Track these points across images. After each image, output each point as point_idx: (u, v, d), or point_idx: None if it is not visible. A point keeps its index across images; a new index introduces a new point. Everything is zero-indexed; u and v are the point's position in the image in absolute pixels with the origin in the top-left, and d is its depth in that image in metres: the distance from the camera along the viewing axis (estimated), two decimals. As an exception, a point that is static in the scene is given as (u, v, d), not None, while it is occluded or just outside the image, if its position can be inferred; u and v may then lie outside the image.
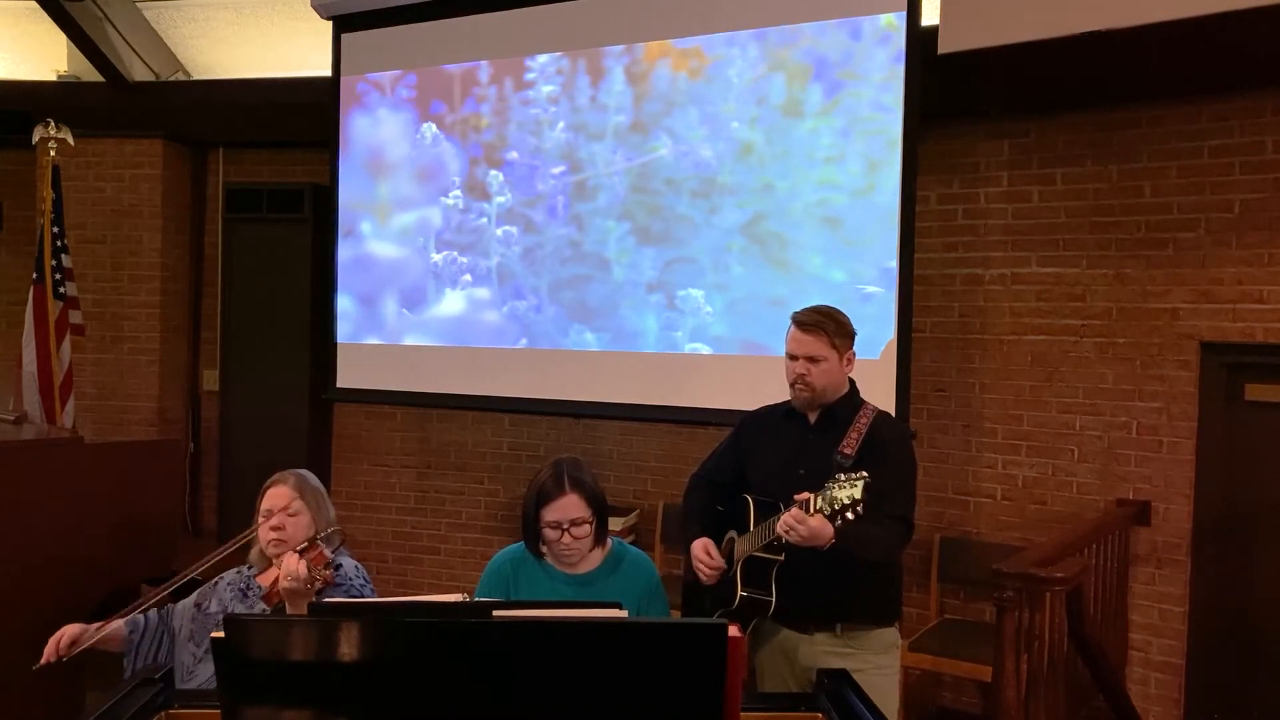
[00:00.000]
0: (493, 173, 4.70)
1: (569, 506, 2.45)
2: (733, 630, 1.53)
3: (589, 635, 1.52)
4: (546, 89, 4.56)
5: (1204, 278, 3.84)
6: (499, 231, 4.69)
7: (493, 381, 4.77)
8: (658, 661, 1.50)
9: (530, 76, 4.60)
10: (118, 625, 2.59)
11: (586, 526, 2.47)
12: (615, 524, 4.42)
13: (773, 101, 4.09)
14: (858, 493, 2.27)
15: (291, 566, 2.31)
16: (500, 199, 4.68)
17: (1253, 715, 3.84)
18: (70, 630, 2.50)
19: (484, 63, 4.72)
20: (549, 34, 4.58)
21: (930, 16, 3.84)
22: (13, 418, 4.74)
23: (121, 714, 1.90)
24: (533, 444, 5.23)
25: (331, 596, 2.43)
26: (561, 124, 4.54)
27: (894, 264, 3.87)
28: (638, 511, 4.89)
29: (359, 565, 2.65)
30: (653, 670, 1.49)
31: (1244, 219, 3.76)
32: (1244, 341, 3.77)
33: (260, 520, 2.59)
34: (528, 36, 4.64)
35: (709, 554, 2.65)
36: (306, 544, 2.42)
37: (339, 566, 2.55)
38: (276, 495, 2.61)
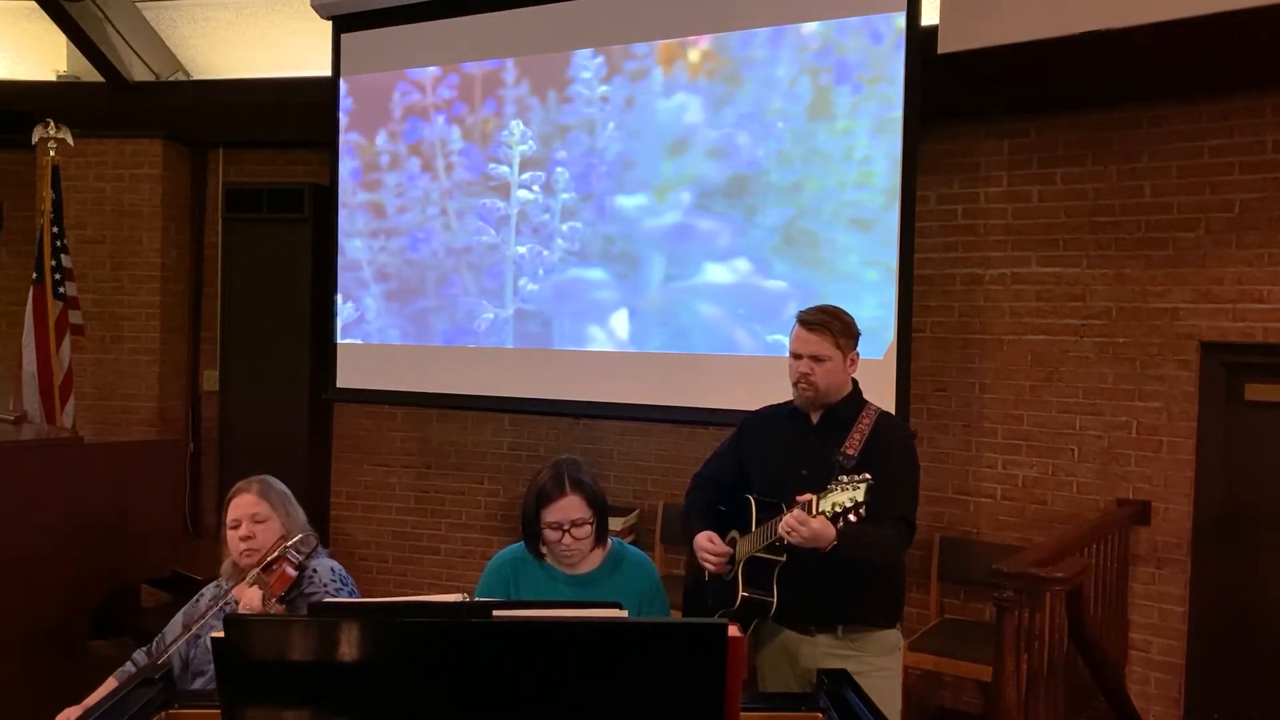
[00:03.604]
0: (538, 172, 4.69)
1: (570, 507, 2.44)
2: (733, 630, 1.53)
3: (589, 635, 1.52)
4: (583, 91, 4.53)
5: (1204, 277, 3.84)
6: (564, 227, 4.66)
7: (492, 381, 4.77)
8: (658, 661, 1.50)
9: (575, 72, 4.57)
10: (108, 684, 2.52)
11: (587, 527, 2.47)
12: (615, 524, 4.41)
13: (801, 102, 4.09)
14: (860, 495, 2.25)
15: (252, 603, 2.32)
16: (565, 195, 4.64)
17: (1253, 715, 3.83)
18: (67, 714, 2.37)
19: (509, 61, 4.69)
20: (557, 32, 4.57)
21: (930, 16, 3.84)
22: (13, 418, 4.74)
23: (121, 714, 1.90)
24: (533, 444, 5.23)
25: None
26: (575, 122, 4.53)
27: (895, 263, 3.87)
28: (638, 511, 4.89)
29: (335, 567, 2.58)
30: (653, 670, 1.49)
31: (1244, 219, 3.76)
32: (1244, 341, 3.77)
33: (229, 530, 2.57)
34: (530, 36, 4.63)
35: (713, 542, 2.64)
36: (271, 560, 2.41)
37: (313, 571, 2.51)
38: (241, 504, 2.59)
